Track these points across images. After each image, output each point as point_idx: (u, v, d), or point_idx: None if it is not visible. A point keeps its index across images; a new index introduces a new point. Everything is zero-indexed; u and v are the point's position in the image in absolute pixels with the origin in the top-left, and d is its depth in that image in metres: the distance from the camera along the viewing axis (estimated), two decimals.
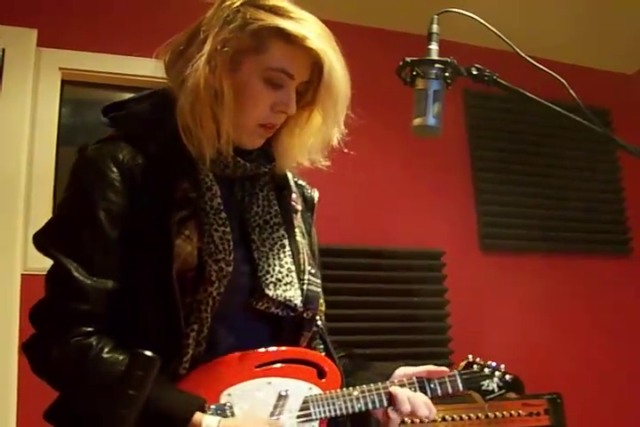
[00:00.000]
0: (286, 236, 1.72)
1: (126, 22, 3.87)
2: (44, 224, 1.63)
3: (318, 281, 1.75)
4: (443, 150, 4.34)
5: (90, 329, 1.49)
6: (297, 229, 1.77)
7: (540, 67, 1.72)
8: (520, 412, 3.30)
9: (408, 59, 1.68)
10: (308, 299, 1.68)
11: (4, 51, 3.54)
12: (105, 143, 1.61)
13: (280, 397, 1.57)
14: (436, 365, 1.79)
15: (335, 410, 1.62)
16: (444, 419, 3.15)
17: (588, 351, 4.40)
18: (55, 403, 1.58)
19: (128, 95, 3.91)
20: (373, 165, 4.19)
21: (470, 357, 1.82)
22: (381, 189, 4.21)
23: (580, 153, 4.78)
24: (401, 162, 4.30)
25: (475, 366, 1.80)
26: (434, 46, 1.71)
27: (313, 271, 1.73)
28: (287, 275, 1.66)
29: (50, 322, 1.51)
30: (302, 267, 1.71)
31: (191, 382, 1.52)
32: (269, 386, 1.58)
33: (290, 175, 1.83)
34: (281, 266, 1.66)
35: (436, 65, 1.67)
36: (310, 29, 1.60)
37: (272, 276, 1.63)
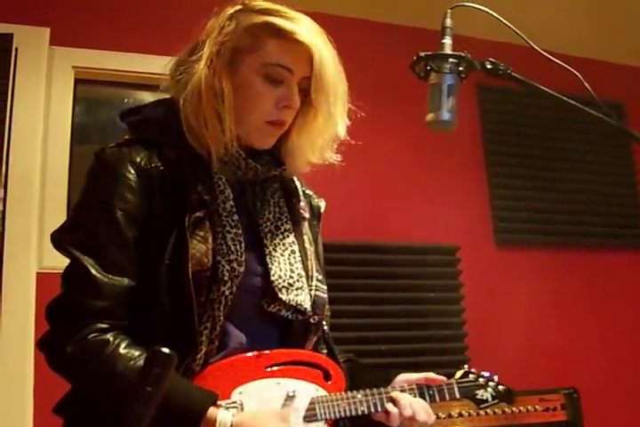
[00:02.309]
0: (296, 242, 1.77)
1: (139, 20, 3.88)
2: (61, 223, 1.67)
3: (324, 287, 1.80)
4: (456, 145, 4.33)
5: (106, 325, 1.52)
6: (305, 237, 1.82)
7: (555, 60, 1.72)
8: (537, 407, 3.29)
9: (422, 53, 1.68)
10: (316, 304, 1.73)
11: (17, 50, 3.55)
12: (122, 146, 1.65)
13: (288, 397, 1.62)
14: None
15: (340, 412, 1.66)
16: (460, 415, 3.14)
17: (604, 345, 4.40)
18: (65, 397, 1.63)
19: (141, 93, 3.96)
20: (387, 161, 4.18)
21: (466, 366, 1.89)
22: (395, 185, 4.21)
23: (595, 147, 4.76)
24: (415, 157, 4.30)
25: (470, 376, 1.86)
26: (447, 41, 1.70)
27: (320, 278, 1.79)
28: (298, 280, 1.71)
29: (66, 318, 1.54)
30: (310, 273, 1.76)
31: (205, 379, 1.56)
32: (278, 386, 1.63)
33: (298, 184, 1.88)
34: (292, 271, 1.71)
35: (450, 59, 1.67)
36: (300, 25, 1.66)
37: (284, 280, 1.68)
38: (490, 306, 4.20)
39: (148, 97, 3.96)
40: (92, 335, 1.50)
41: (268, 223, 1.74)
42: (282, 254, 1.72)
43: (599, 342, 4.40)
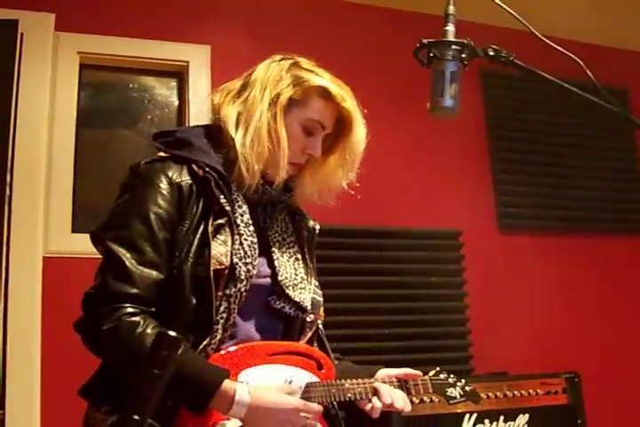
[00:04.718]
0: (299, 252, 2.06)
1: (143, 6, 3.88)
2: (99, 224, 1.85)
3: (320, 292, 2.07)
4: (460, 130, 4.33)
5: (137, 310, 1.71)
6: (305, 249, 2.09)
7: (556, 47, 1.73)
8: (538, 391, 3.31)
9: (425, 40, 1.69)
10: (313, 305, 1.99)
11: (22, 35, 3.56)
12: (155, 162, 1.89)
13: (286, 381, 1.82)
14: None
15: (330, 396, 1.87)
16: None
17: (607, 330, 4.42)
18: (91, 380, 1.82)
19: (145, 78, 3.98)
20: (389, 145, 4.17)
21: (438, 368, 2.13)
22: (398, 169, 4.21)
23: (598, 132, 4.76)
24: (418, 142, 4.31)
25: (441, 376, 2.11)
26: (450, 28, 1.72)
27: (317, 284, 2.07)
28: (301, 282, 1.98)
29: (102, 302, 1.71)
30: (309, 279, 2.03)
31: (217, 362, 1.74)
32: (278, 371, 1.83)
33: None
34: (296, 274, 1.98)
35: (453, 46, 1.68)
36: (345, 92, 1.98)
37: (290, 280, 1.94)
38: (492, 291, 4.22)
39: (151, 82, 3.99)
40: (125, 317, 1.68)
41: (276, 235, 2.02)
42: (288, 260, 1.99)
43: (602, 326, 4.42)
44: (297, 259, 2.03)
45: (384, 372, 2.03)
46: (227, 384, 1.66)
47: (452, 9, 1.74)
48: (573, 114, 4.68)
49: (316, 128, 1.99)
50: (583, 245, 4.55)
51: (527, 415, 3.26)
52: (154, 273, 1.74)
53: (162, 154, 1.93)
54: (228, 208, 1.84)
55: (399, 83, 4.11)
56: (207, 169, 1.86)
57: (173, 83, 4.02)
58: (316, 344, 2.01)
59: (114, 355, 1.72)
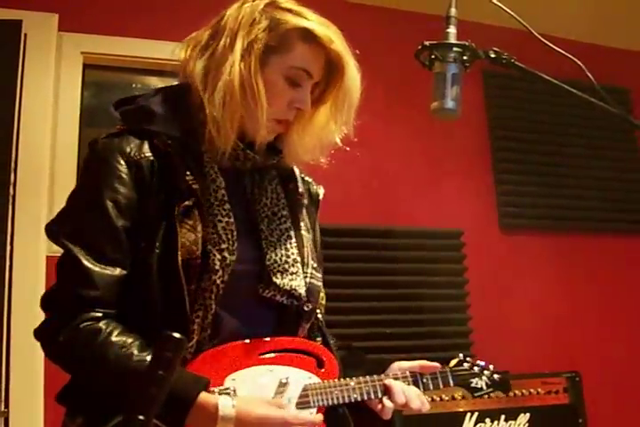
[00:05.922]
0: (292, 228, 1.78)
1: (147, 6, 3.89)
2: (55, 215, 1.69)
3: (319, 275, 1.81)
4: (462, 130, 4.34)
5: (99, 314, 1.53)
6: (302, 223, 1.83)
7: (555, 48, 1.73)
8: (539, 390, 3.32)
9: (427, 42, 1.70)
10: (310, 292, 1.73)
11: (25, 36, 3.56)
12: (113, 137, 1.66)
13: (281, 384, 1.62)
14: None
15: (332, 399, 1.67)
16: (463, 397, 3.17)
17: (608, 330, 4.42)
18: (66, 386, 1.64)
19: (148, 78, 3.98)
20: (392, 145, 4.20)
21: (461, 355, 1.90)
22: (400, 169, 4.22)
23: (600, 132, 4.76)
24: (419, 142, 4.31)
25: (465, 365, 1.88)
26: (452, 30, 1.71)
27: (315, 266, 1.79)
28: (293, 265, 1.72)
29: (60, 308, 1.56)
30: (305, 260, 1.77)
31: (197, 366, 1.56)
32: (271, 373, 1.63)
33: (297, 171, 1.89)
34: (287, 256, 1.72)
35: (455, 48, 1.68)
36: (332, 32, 1.71)
37: (279, 265, 1.69)
38: (493, 290, 4.23)
39: (155, 82, 3.99)
40: (85, 324, 1.51)
41: (265, 209, 1.75)
42: (278, 240, 1.73)
43: (602, 326, 4.42)
44: (289, 237, 1.75)
45: (397, 365, 1.80)
46: (205, 397, 1.45)
47: (453, 11, 1.74)
48: (575, 114, 4.68)
49: (302, 77, 1.71)
50: (584, 244, 4.56)
51: (528, 415, 3.28)
52: (116, 270, 1.55)
53: (122, 126, 1.70)
54: (195, 186, 1.61)
55: (400, 83, 4.12)
56: (169, 142, 1.64)
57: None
58: (318, 337, 1.81)
59: (74, 368, 1.57)
